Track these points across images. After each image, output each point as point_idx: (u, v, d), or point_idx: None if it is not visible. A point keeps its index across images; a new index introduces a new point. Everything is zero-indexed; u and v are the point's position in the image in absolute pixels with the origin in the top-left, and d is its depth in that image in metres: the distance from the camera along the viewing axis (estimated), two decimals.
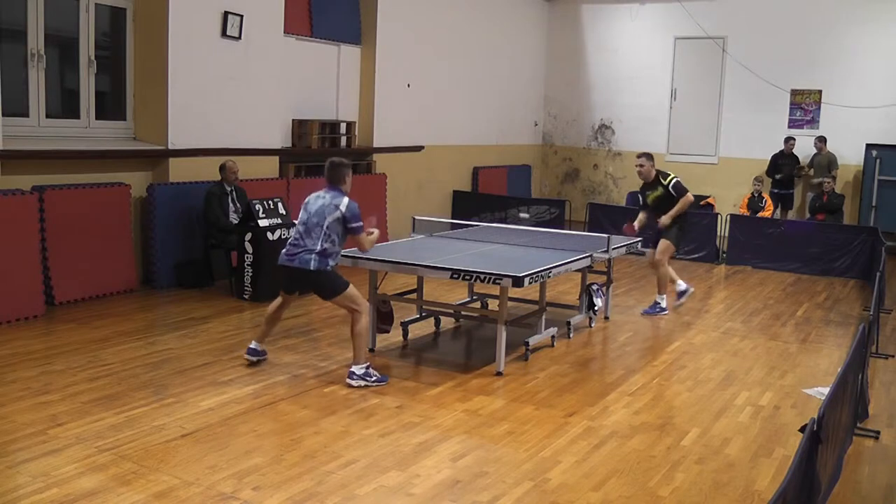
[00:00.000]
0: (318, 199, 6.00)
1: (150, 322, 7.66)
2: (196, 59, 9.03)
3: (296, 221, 6.11)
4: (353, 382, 5.91)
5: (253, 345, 6.36)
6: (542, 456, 4.85)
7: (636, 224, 8.76)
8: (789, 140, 13.96)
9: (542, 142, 17.32)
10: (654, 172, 8.59)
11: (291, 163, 10.74)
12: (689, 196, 8.58)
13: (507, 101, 15.78)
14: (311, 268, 5.87)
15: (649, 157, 8.69)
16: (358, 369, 5.95)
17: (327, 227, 5.88)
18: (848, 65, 14.14)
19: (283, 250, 6.07)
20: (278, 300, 6.32)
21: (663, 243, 8.63)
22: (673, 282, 8.77)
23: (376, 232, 6.33)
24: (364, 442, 4.95)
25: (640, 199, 8.98)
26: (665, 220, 8.51)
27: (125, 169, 8.65)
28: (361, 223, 5.99)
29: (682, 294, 8.80)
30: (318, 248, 5.87)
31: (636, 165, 8.65)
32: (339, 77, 11.86)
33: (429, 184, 13.57)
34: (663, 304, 8.68)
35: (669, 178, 8.54)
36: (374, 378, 5.98)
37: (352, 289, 5.97)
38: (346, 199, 5.92)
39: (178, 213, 8.87)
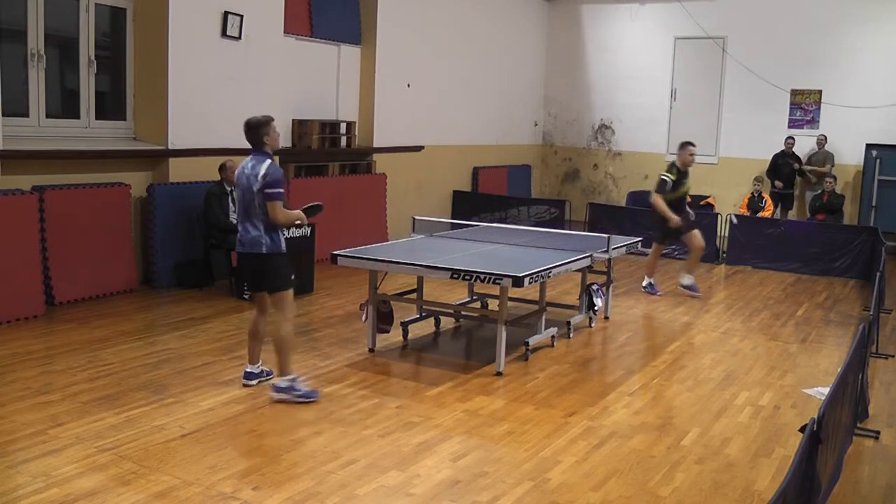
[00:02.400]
0: (243, 173, 5.57)
1: (150, 322, 7.66)
2: (196, 59, 9.03)
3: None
4: (276, 396, 5.52)
5: (248, 368, 5.91)
6: (542, 456, 4.85)
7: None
8: (789, 139, 13.96)
9: (542, 142, 17.32)
10: None
11: (291, 163, 10.74)
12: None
13: (507, 101, 15.78)
14: (263, 251, 5.50)
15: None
16: (281, 382, 5.55)
17: (258, 202, 5.46)
18: (848, 65, 14.14)
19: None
20: (255, 311, 5.90)
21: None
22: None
23: (302, 217, 5.67)
24: (364, 442, 4.95)
25: (672, 188, 9.41)
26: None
27: (125, 169, 8.65)
28: (280, 190, 5.45)
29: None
30: (263, 227, 5.48)
31: (693, 154, 9.40)
32: (339, 77, 11.86)
33: (429, 184, 13.57)
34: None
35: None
36: (300, 392, 5.54)
37: (292, 292, 5.65)
38: (266, 164, 5.47)
39: (178, 213, 8.87)
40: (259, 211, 5.47)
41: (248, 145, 10.21)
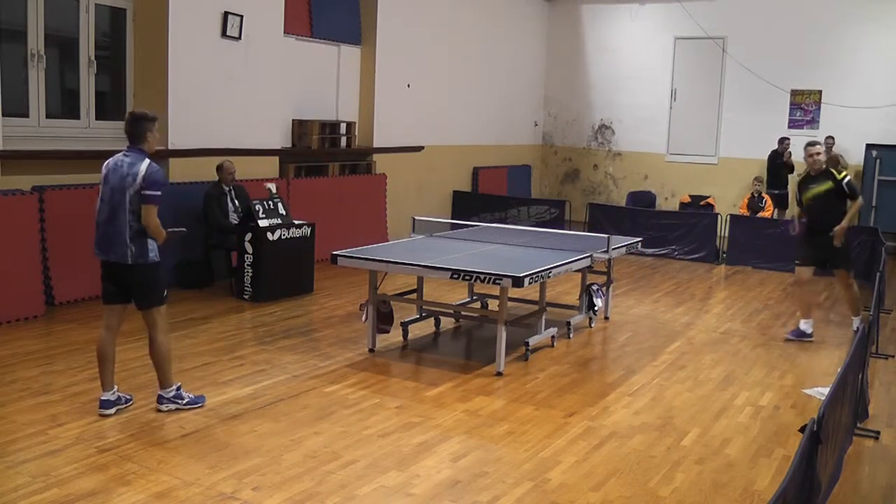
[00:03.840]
0: (116, 170, 5.06)
1: None
2: (196, 59, 9.03)
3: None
4: (164, 407, 5.27)
5: (103, 395, 5.22)
6: (542, 456, 4.85)
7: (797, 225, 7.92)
8: (784, 140, 13.93)
9: (542, 142, 17.32)
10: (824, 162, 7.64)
11: (291, 163, 10.74)
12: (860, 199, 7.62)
13: (507, 101, 15.78)
14: (129, 261, 5.03)
15: (818, 143, 7.74)
16: (166, 393, 5.30)
17: (130, 204, 4.98)
18: (848, 65, 14.14)
19: (96, 239, 5.14)
20: (102, 328, 5.23)
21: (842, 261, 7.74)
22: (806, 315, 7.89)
23: (163, 237, 5.13)
24: (364, 442, 4.95)
25: (798, 194, 7.85)
26: (840, 230, 7.48)
27: None
28: (159, 193, 5.01)
29: (800, 334, 7.81)
30: (130, 232, 4.99)
31: (814, 154, 7.53)
32: (339, 77, 11.85)
33: (429, 184, 13.57)
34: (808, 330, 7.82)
35: (843, 173, 7.60)
36: (187, 400, 5.34)
37: (165, 305, 5.27)
38: (145, 164, 5.02)
39: (178, 214, 8.85)
40: (130, 214, 4.99)
41: (248, 145, 10.29)
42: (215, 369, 6.21)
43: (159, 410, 5.31)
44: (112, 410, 5.20)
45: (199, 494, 4.17)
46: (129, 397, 5.40)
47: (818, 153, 7.57)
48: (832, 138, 13.79)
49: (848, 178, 7.63)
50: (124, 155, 5.13)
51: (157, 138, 5.28)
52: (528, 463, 4.74)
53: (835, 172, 7.58)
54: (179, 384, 5.41)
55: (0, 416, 5.09)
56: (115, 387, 5.28)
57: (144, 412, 5.26)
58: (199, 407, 5.40)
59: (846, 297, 8.09)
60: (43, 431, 4.87)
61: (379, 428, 5.18)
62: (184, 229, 5.47)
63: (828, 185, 7.50)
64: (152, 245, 5.11)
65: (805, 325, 7.81)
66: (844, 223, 7.49)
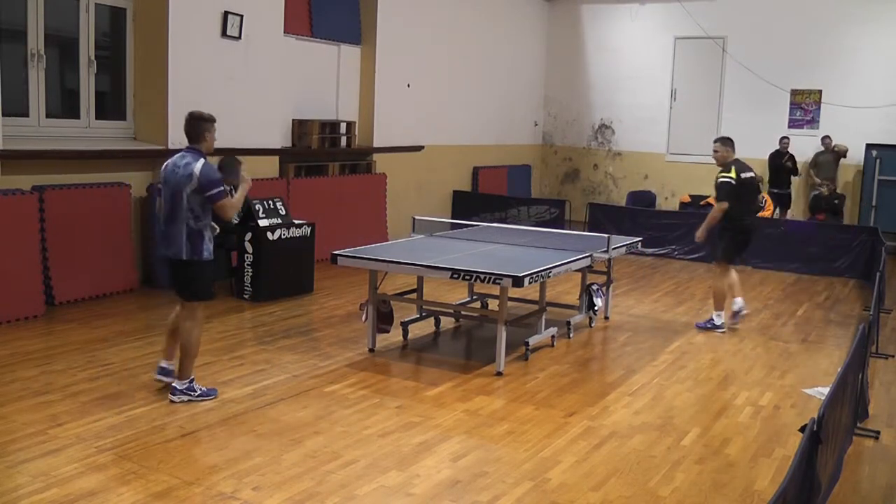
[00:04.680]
0: (174, 171, 5.30)
1: (150, 322, 7.65)
2: (196, 59, 9.03)
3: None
4: (176, 398, 5.45)
5: (163, 363, 5.70)
6: (542, 456, 4.85)
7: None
8: (783, 139, 13.94)
9: (542, 142, 17.32)
10: (729, 158, 7.90)
11: (291, 163, 10.74)
12: (723, 205, 7.77)
13: (507, 101, 15.78)
14: (184, 257, 5.31)
15: (725, 141, 8.01)
16: (180, 384, 5.50)
17: (188, 203, 5.22)
18: (848, 65, 14.14)
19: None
20: (175, 308, 5.69)
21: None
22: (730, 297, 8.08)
23: (244, 187, 5.59)
24: (364, 442, 4.95)
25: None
26: (699, 233, 8.00)
27: (125, 169, 8.64)
28: (220, 188, 5.26)
29: (735, 314, 8.06)
30: (187, 230, 5.26)
31: (712, 153, 7.99)
32: (339, 77, 11.86)
33: (429, 184, 13.58)
34: (717, 321, 8.03)
35: (721, 173, 7.84)
36: (199, 392, 5.52)
37: (207, 301, 5.55)
38: (200, 163, 5.23)
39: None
40: (187, 212, 5.24)
41: (247, 145, 10.28)
42: (215, 369, 6.21)
43: (171, 402, 5.44)
44: (168, 378, 5.61)
45: (199, 494, 4.17)
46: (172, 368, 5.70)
47: (715, 150, 7.98)
48: (829, 137, 13.82)
49: (721, 180, 7.82)
50: (181, 156, 5.33)
51: (215, 139, 5.50)
52: (528, 463, 4.74)
53: (722, 171, 7.86)
54: (193, 377, 5.55)
55: (0, 416, 5.09)
56: (174, 361, 5.66)
57: (145, 412, 5.27)
58: (211, 399, 5.53)
59: (712, 288, 8.27)
60: (43, 431, 4.87)
61: (379, 428, 5.18)
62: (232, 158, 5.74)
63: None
64: (207, 244, 5.37)
65: (736, 305, 8.03)
66: (702, 226, 7.98)
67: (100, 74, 8.70)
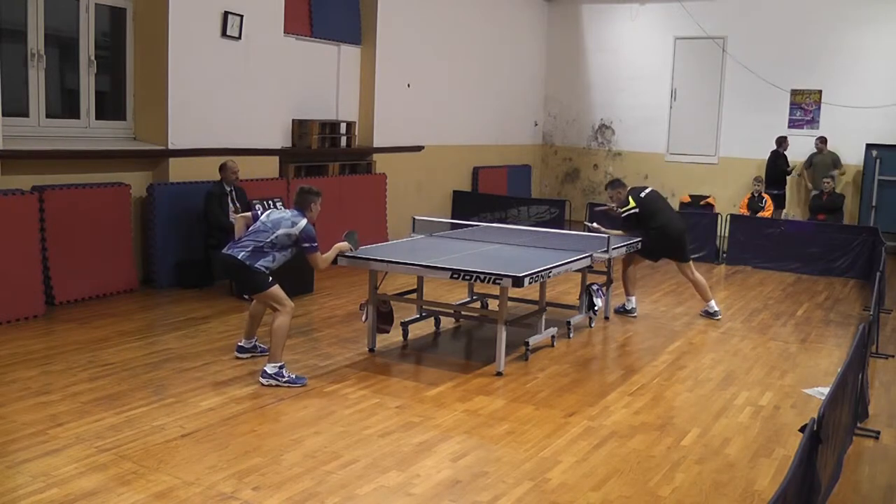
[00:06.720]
0: (279, 212, 6.17)
1: (150, 322, 7.66)
2: (196, 59, 9.03)
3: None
4: (264, 381, 5.85)
5: (241, 342, 6.49)
6: (542, 456, 4.85)
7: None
8: (782, 139, 13.93)
9: (542, 142, 17.32)
10: (623, 195, 8.44)
11: (291, 163, 10.74)
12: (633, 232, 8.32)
13: (507, 101, 15.77)
14: (238, 257, 5.90)
15: (614, 184, 8.61)
16: (270, 368, 5.88)
17: (275, 237, 5.92)
18: (848, 65, 14.14)
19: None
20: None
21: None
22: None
23: (343, 248, 6.43)
24: (364, 442, 4.95)
25: None
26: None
27: (125, 169, 8.65)
28: (315, 244, 5.98)
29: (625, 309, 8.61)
30: (253, 247, 5.92)
31: (611, 199, 8.53)
32: (339, 77, 11.86)
33: (429, 184, 13.57)
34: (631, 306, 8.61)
35: (621, 209, 8.37)
36: (286, 379, 5.87)
37: (276, 289, 5.96)
38: (304, 222, 5.97)
39: (178, 213, 8.87)
40: (268, 241, 5.91)
41: (247, 145, 10.31)
42: (215, 369, 6.21)
43: (260, 384, 5.79)
44: (246, 356, 6.40)
45: (199, 494, 4.17)
46: (264, 348, 6.36)
47: (610, 198, 8.57)
48: (822, 141, 13.83)
49: (624, 215, 8.32)
50: (292, 211, 6.08)
51: (319, 210, 6.17)
52: (528, 463, 4.74)
53: (621, 208, 8.37)
54: (283, 363, 5.90)
55: (0, 416, 5.09)
56: (255, 338, 6.46)
57: (145, 412, 5.27)
58: (300, 387, 5.82)
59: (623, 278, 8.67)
60: (43, 431, 4.87)
61: (379, 428, 5.18)
62: (353, 231, 6.58)
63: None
64: (264, 264, 5.93)
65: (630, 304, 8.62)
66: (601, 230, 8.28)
67: (100, 74, 8.70)
